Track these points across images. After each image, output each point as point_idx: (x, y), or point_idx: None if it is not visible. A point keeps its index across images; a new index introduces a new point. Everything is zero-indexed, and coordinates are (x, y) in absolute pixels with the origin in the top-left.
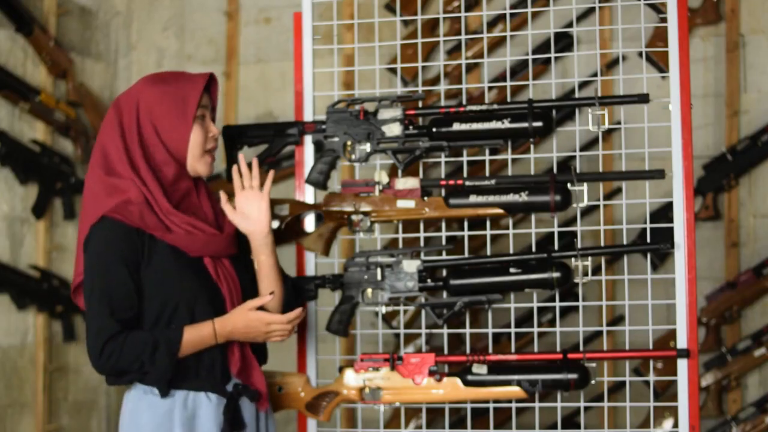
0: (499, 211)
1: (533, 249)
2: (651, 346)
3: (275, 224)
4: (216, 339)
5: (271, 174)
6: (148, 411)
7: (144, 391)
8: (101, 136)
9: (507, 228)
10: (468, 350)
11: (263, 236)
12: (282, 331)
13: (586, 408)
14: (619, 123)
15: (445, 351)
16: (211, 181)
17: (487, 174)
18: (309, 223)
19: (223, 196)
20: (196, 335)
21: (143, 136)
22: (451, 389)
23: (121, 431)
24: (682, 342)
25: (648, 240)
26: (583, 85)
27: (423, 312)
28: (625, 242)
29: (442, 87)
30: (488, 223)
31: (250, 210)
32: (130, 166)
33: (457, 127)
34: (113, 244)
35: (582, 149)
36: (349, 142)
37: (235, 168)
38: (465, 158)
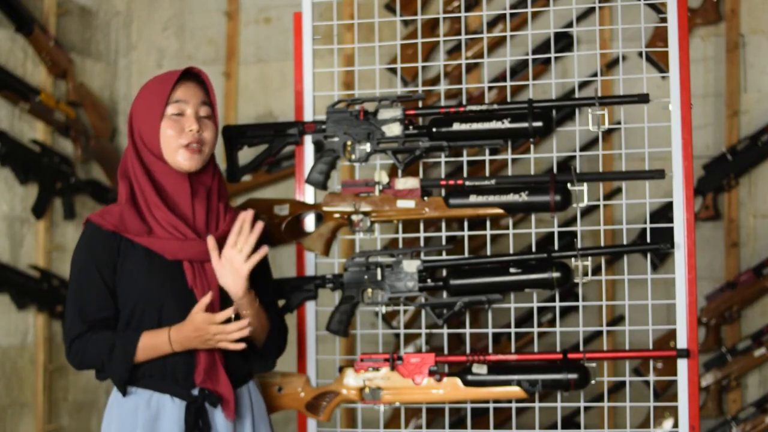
0: (499, 211)
1: (533, 249)
2: (651, 346)
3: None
4: (171, 346)
5: (263, 250)
6: (117, 407)
7: (116, 388)
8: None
9: (507, 228)
10: (468, 350)
11: (237, 298)
12: (222, 335)
13: (586, 408)
14: (619, 123)
15: (445, 351)
16: None
17: (487, 174)
18: (309, 223)
19: (210, 240)
20: (151, 341)
21: (133, 134)
22: (451, 389)
23: (102, 425)
24: (682, 342)
25: (648, 240)
26: (583, 85)
27: (423, 312)
28: (625, 242)
29: (442, 87)
30: (488, 223)
31: (228, 271)
32: (128, 166)
33: (457, 127)
34: (90, 247)
35: (582, 149)
36: (349, 142)
37: (238, 222)
38: (465, 158)
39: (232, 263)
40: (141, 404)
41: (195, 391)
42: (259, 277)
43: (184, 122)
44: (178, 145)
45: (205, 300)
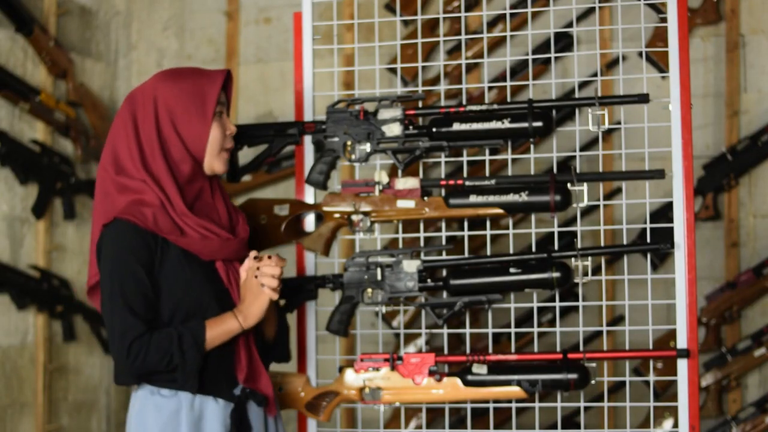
0: (499, 211)
1: (533, 249)
2: (651, 346)
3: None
4: (239, 321)
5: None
6: (155, 412)
7: (150, 391)
8: (113, 133)
9: (507, 228)
10: (468, 350)
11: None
12: (269, 274)
13: (586, 408)
14: (619, 123)
15: (445, 351)
16: None
17: (487, 174)
18: (309, 223)
19: (252, 254)
20: (217, 324)
21: (162, 131)
22: (451, 389)
23: (129, 430)
24: (682, 342)
25: (648, 240)
26: (583, 85)
27: (423, 312)
28: (625, 242)
29: (442, 87)
30: (488, 223)
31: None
32: (142, 166)
33: (457, 127)
34: (127, 246)
35: (582, 149)
36: (349, 142)
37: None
38: (465, 158)
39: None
40: (184, 406)
41: (237, 391)
42: None
43: (225, 125)
44: (220, 148)
45: (252, 253)
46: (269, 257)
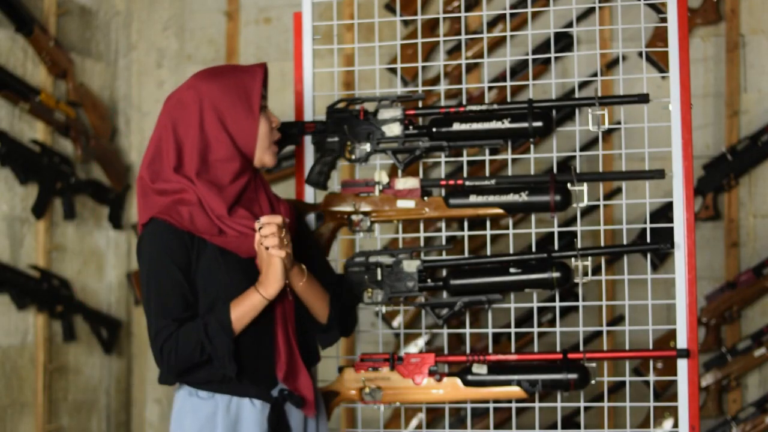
0: (499, 211)
1: (533, 249)
2: (651, 346)
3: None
4: (260, 293)
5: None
6: (192, 413)
7: (189, 392)
8: (155, 135)
9: (507, 228)
10: (468, 350)
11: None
12: (268, 234)
13: (586, 408)
14: (619, 123)
15: (445, 351)
16: None
17: (487, 174)
18: (309, 223)
19: (255, 225)
20: (241, 302)
21: (206, 132)
22: (451, 389)
23: (170, 430)
24: (682, 342)
25: (648, 240)
26: (583, 85)
27: (423, 312)
28: (625, 242)
29: (442, 87)
30: (488, 223)
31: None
32: (180, 170)
33: (457, 127)
34: (164, 245)
35: (582, 149)
36: (349, 142)
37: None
38: (465, 158)
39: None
40: (220, 409)
41: (275, 392)
42: (312, 255)
43: (270, 118)
44: (269, 142)
45: (255, 225)
46: (264, 217)
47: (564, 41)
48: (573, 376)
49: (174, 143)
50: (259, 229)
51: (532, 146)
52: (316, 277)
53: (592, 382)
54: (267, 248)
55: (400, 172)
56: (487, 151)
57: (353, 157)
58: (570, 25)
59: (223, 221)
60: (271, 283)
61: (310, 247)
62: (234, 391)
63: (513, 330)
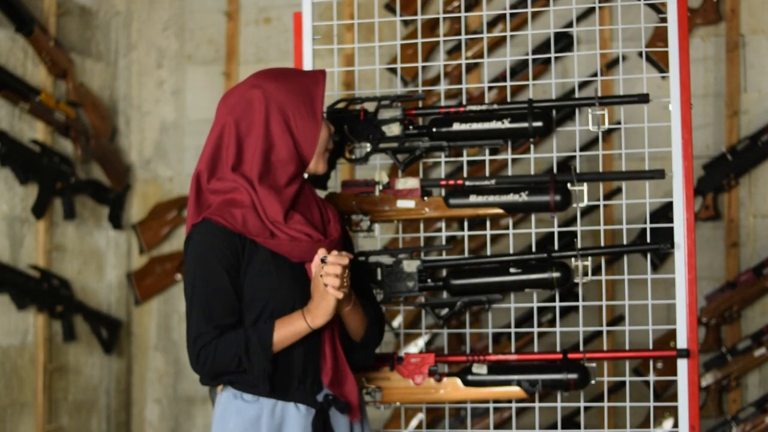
0: (499, 211)
1: (533, 249)
2: (651, 346)
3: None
4: (306, 320)
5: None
6: (236, 416)
7: (234, 395)
8: (214, 132)
9: (507, 228)
10: (468, 350)
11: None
12: (332, 273)
13: (586, 408)
14: (619, 123)
15: (445, 351)
16: None
17: (487, 174)
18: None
19: (320, 251)
20: (286, 324)
21: (272, 132)
22: (451, 389)
23: (213, 430)
24: (682, 342)
25: (648, 240)
26: (583, 85)
27: (423, 312)
28: (625, 242)
29: (442, 87)
30: (488, 223)
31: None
32: (238, 169)
33: (457, 127)
34: (213, 247)
35: (582, 149)
36: (349, 142)
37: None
38: (465, 158)
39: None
40: (265, 413)
41: (320, 397)
42: (354, 271)
43: (328, 126)
44: (325, 149)
45: (321, 252)
46: (332, 255)
47: (564, 41)
48: (573, 376)
49: (235, 141)
50: (322, 260)
51: (532, 146)
52: (355, 293)
53: (592, 382)
54: (326, 284)
55: (400, 172)
56: (487, 151)
57: (353, 157)
58: (570, 25)
59: (277, 226)
60: (320, 315)
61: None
62: (279, 396)
63: (513, 330)
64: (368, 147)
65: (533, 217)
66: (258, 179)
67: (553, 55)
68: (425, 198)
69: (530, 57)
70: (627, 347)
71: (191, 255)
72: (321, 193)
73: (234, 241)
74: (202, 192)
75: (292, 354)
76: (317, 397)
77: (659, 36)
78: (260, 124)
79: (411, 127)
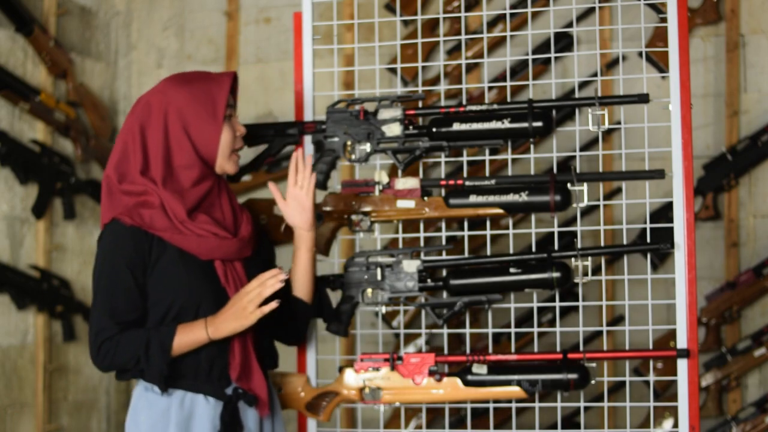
0: (499, 211)
1: (533, 249)
2: (651, 346)
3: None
4: (208, 333)
5: (313, 177)
6: (147, 408)
7: (145, 387)
8: (122, 136)
9: (507, 228)
10: (468, 350)
11: (305, 231)
12: (255, 296)
13: (586, 408)
14: (619, 123)
15: (445, 351)
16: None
17: (487, 174)
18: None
19: (272, 185)
20: (187, 331)
21: (170, 137)
22: (451, 389)
23: (126, 425)
24: (682, 342)
25: (648, 240)
26: (583, 85)
27: (423, 312)
28: (625, 242)
29: (442, 87)
30: (488, 223)
31: (295, 209)
32: (145, 173)
33: (457, 127)
34: (120, 247)
35: (582, 149)
36: (349, 142)
37: (293, 161)
38: (465, 158)
39: (298, 200)
40: (174, 404)
41: (229, 390)
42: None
43: (235, 126)
44: (231, 150)
45: (272, 305)
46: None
47: (564, 41)
48: (573, 376)
49: (141, 146)
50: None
51: (532, 146)
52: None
53: (592, 382)
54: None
55: (400, 172)
56: (487, 151)
57: (353, 157)
58: (570, 25)
59: (184, 225)
60: (223, 331)
61: (267, 253)
62: (188, 387)
63: (513, 330)
64: (368, 147)
65: (533, 217)
66: (162, 182)
67: (553, 55)
68: (425, 198)
69: (530, 57)
70: (627, 347)
71: (99, 253)
72: (321, 194)
73: (141, 241)
74: (113, 193)
75: (200, 349)
76: (226, 390)
77: (659, 36)
78: (160, 129)
79: (411, 127)
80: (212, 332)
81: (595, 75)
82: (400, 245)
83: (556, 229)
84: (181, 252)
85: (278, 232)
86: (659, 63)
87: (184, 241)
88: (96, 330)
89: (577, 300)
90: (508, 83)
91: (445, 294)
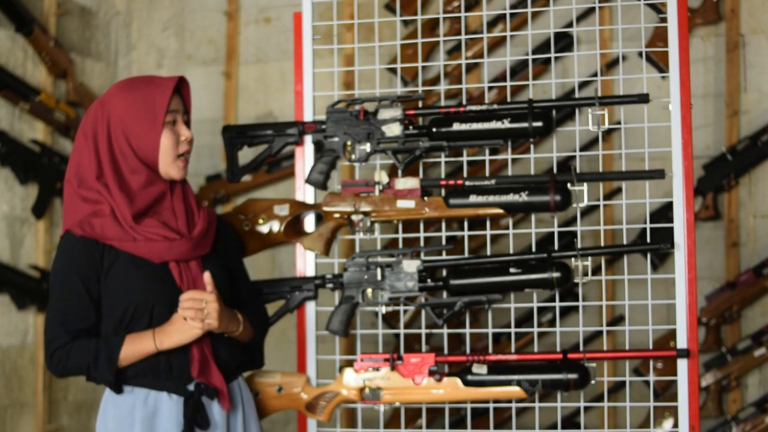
0: (499, 211)
1: (533, 249)
2: (651, 346)
3: None
4: (155, 344)
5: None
6: (113, 407)
7: None
8: (75, 145)
9: (507, 228)
10: (468, 350)
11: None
12: (191, 310)
13: (586, 408)
14: (619, 123)
15: (445, 351)
16: (211, 181)
17: (487, 174)
18: (309, 223)
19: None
20: (135, 342)
21: (113, 144)
22: (451, 389)
23: (96, 425)
24: (682, 342)
25: (648, 240)
26: (583, 85)
27: (423, 312)
28: (625, 242)
29: (442, 87)
30: (488, 223)
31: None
32: (98, 177)
33: (457, 127)
34: (71, 258)
35: (582, 149)
36: (349, 142)
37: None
38: (465, 158)
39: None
40: (138, 402)
41: (191, 387)
42: (238, 281)
43: (179, 131)
44: (174, 156)
45: (187, 295)
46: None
47: (564, 41)
48: (573, 376)
49: (94, 151)
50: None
51: (532, 146)
52: (240, 298)
53: (592, 382)
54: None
55: (400, 172)
56: (487, 151)
57: (353, 157)
58: (570, 25)
59: (134, 230)
60: (169, 343)
61: (237, 268)
62: (152, 385)
63: (513, 330)
64: (368, 147)
65: (533, 217)
66: (114, 186)
67: (553, 55)
68: (425, 198)
69: (530, 57)
70: (627, 347)
71: (54, 264)
72: (320, 194)
73: (92, 250)
74: (73, 198)
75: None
76: (188, 387)
77: (659, 36)
78: (104, 135)
79: (411, 127)
80: (159, 344)
81: (595, 75)
82: (400, 245)
83: (556, 229)
84: (132, 257)
85: (278, 233)
86: (659, 63)
87: (135, 248)
88: (49, 338)
89: (577, 300)
90: (508, 83)
91: (445, 294)
